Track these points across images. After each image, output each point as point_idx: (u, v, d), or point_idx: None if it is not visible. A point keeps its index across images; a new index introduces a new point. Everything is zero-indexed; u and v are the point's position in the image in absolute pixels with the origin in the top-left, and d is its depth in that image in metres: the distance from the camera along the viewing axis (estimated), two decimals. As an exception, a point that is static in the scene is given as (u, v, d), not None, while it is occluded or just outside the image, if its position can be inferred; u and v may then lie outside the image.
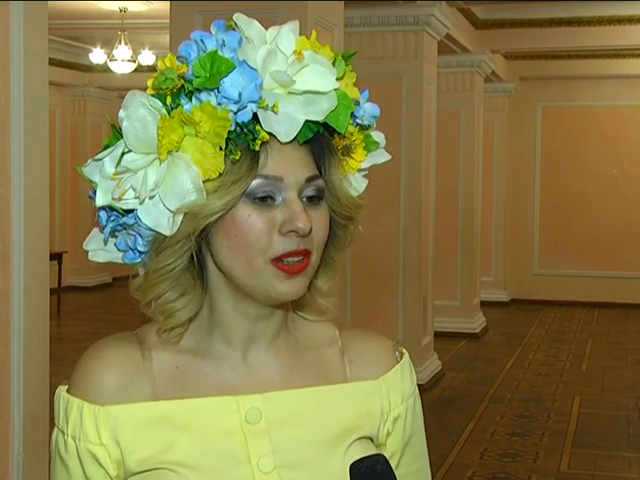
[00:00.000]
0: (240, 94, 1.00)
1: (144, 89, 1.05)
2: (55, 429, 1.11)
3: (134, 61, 10.06)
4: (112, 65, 10.08)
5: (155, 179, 1.02)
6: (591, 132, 12.07)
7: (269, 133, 1.02)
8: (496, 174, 11.50)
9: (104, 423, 1.06)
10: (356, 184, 1.14)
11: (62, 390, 1.11)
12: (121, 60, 9.96)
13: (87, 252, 1.11)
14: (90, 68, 12.34)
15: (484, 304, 10.52)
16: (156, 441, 1.06)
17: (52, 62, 9.98)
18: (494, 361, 8.43)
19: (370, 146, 1.13)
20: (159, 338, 1.10)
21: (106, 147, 1.06)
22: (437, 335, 8.10)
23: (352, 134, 1.10)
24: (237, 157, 1.02)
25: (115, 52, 9.89)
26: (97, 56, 10.69)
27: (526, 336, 9.81)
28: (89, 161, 1.06)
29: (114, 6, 9.13)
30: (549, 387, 7.43)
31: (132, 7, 9.21)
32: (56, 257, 10.56)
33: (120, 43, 9.80)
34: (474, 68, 9.46)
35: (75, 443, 1.07)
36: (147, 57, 10.66)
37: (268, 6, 4.39)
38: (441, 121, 8.29)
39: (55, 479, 1.10)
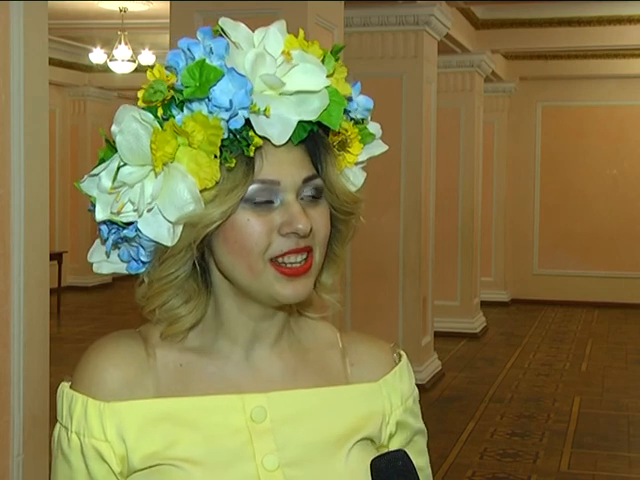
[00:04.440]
0: (231, 101, 1.00)
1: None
2: (57, 425, 1.10)
3: (134, 61, 10.05)
4: (112, 65, 10.08)
5: (152, 191, 1.02)
6: (591, 132, 12.06)
7: (263, 137, 1.02)
8: (496, 174, 11.49)
9: (109, 419, 1.06)
10: (354, 178, 1.14)
11: (65, 386, 1.10)
12: (121, 60, 9.95)
13: (91, 264, 1.11)
14: (90, 68, 12.33)
15: (484, 304, 10.51)
16: (161, 438, 1.06)
17: (52, 62, 9.99)
18: (494, 361, 8.43)
19: (366, 138, 1.13)
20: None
21: (101, 161, 1.06)
22: (437, 335, 8.10)
23: (347, 129, 1.10)
24: (232, 164, 1.02)
25: (115, 52, 9.89)
26: (97, 56, 10.69)
27: (526, 336, 9.81)
28: (85, 177, 1.07)
29: (114, 6, 9.13)
30: (549, 387, 7.42)
31: (132, 7, 9.20)
32: (56, 257, 10.56)
33: (120, 43, 9.79)
34: (474, 68, 9.46)
35: (79, 439, 1.07)
36: (147, 57, 10.65)
37: (268, 6, 4.38)
38: (441, 121, 8.29)
39: (56, 475, 1.10)
